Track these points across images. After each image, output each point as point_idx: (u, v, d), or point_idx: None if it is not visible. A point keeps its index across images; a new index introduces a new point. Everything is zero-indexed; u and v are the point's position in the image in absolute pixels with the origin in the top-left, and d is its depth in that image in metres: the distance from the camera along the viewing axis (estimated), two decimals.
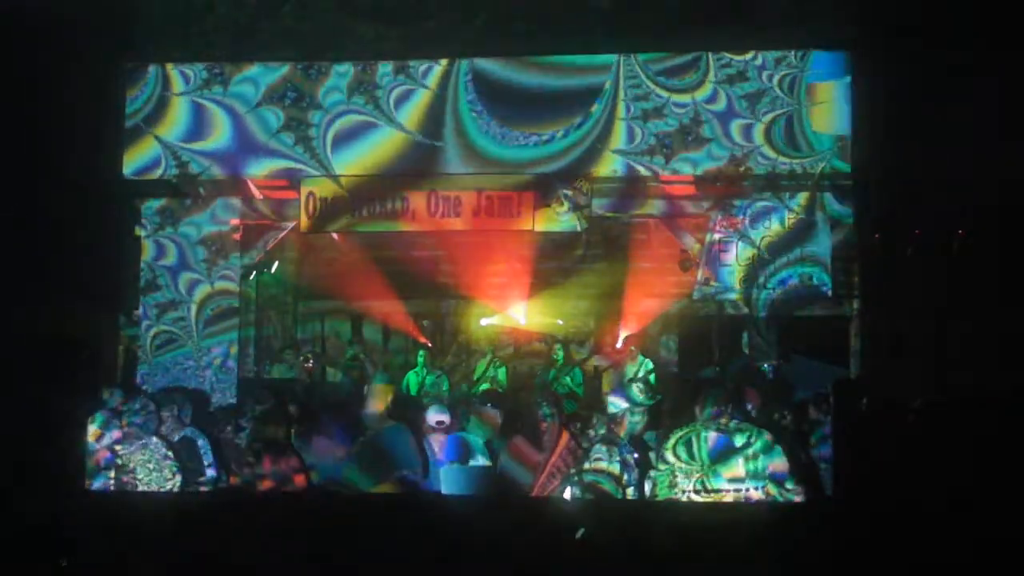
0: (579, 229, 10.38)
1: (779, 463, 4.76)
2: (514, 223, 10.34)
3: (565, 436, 5.74)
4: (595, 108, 10.02)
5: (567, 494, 5.38)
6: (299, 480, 5.84)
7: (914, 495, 4.57)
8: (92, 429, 6.14)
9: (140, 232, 10.71)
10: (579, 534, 3.89)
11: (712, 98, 9.97)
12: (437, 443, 6.44)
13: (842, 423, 6.21)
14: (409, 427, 6.19)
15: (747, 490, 4.69)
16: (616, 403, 5.74)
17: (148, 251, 10.66)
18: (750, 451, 4.73)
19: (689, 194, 10.52)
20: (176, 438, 6.08)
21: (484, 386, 10.99)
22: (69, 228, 8.56)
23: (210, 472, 6.07)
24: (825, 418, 6.94)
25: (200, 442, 6.15)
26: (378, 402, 6.19)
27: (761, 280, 10.19)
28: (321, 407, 7.68)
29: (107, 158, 9.84)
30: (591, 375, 11.88)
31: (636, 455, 5.54)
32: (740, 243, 10.21)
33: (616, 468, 5.34)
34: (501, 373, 11.55)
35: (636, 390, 8.86)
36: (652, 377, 11.08)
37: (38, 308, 7.61)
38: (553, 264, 13.00)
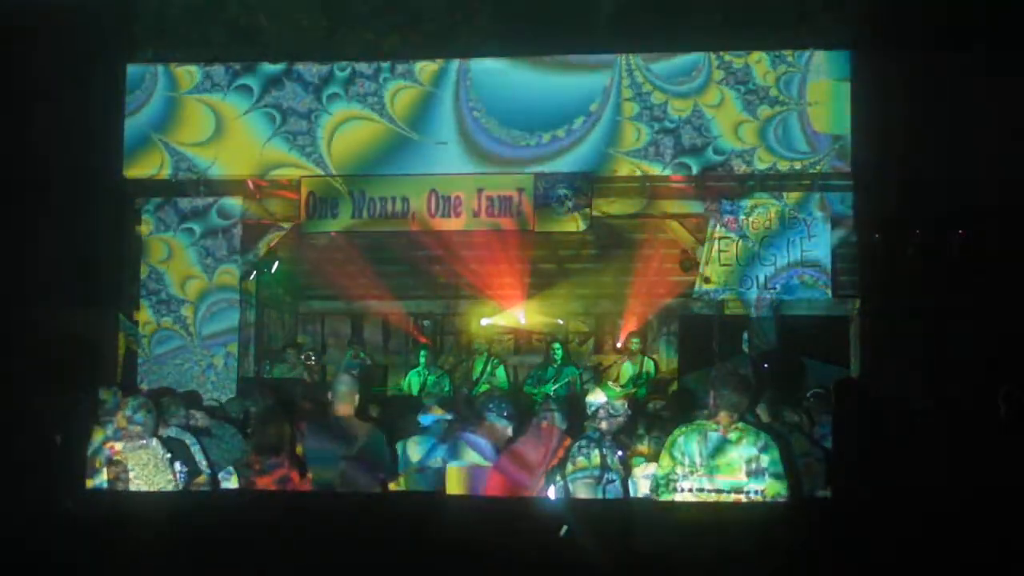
0: (579, 229, 10.37)
1: (777, 463, 4.75)
2: (514, 223, 10.34)
3: (560, 435, 5.75)
4: (595, 108, 10.04)
5: (561, 494, 5.39)
6: (299, 481, 5.83)
7: (913, 494, 4.57)
8: (91, 429, 6.13)
9: (140, 232, 10.73)
10: (562, 531, 3.89)
11: (712, 98, 9.98)
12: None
13: (842, 423, 6.21)
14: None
15: (745, 490, 4.68)
16: (607, 401, 5.72)
17: (148, 251, 10.69)
18: (748, 451, 4.72)
19: (689, 194, 10.53)
20: (174, 438, 6.07)
21: (484, 386, 10.97)
22: (69, 228, 8.56)
23: (206, 473, 6.07)
24: (824, 418, 6.94)
25: (198, 443, 6.15)
26: (345, 404, 5.89)
27: (761, 280, 10.19)
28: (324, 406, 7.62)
29: (107, 158, 9.85)
30: (589, 374, 11.88)
31: (620, 453, 5.55)
32: (740, 243, 10.21)
33: (604, 466, 5.36)
34: (500, 372, 11.54)
35: (631, 389, 8.87)
36: (646, 375, 11.09)
37: (38, 308, 7.62)
38: (553, 264, 13.01)
